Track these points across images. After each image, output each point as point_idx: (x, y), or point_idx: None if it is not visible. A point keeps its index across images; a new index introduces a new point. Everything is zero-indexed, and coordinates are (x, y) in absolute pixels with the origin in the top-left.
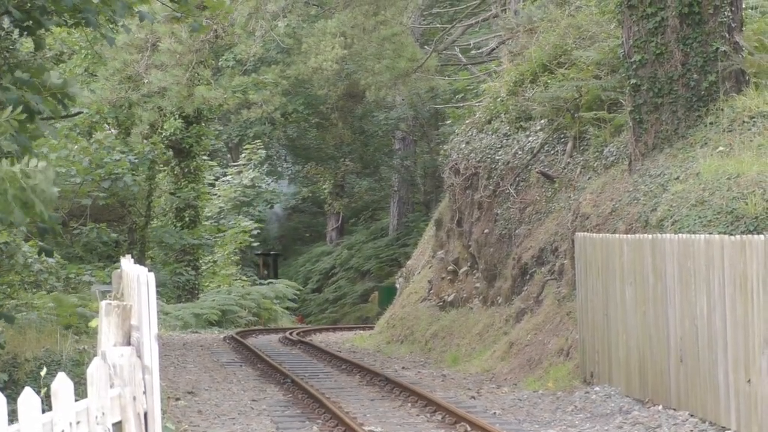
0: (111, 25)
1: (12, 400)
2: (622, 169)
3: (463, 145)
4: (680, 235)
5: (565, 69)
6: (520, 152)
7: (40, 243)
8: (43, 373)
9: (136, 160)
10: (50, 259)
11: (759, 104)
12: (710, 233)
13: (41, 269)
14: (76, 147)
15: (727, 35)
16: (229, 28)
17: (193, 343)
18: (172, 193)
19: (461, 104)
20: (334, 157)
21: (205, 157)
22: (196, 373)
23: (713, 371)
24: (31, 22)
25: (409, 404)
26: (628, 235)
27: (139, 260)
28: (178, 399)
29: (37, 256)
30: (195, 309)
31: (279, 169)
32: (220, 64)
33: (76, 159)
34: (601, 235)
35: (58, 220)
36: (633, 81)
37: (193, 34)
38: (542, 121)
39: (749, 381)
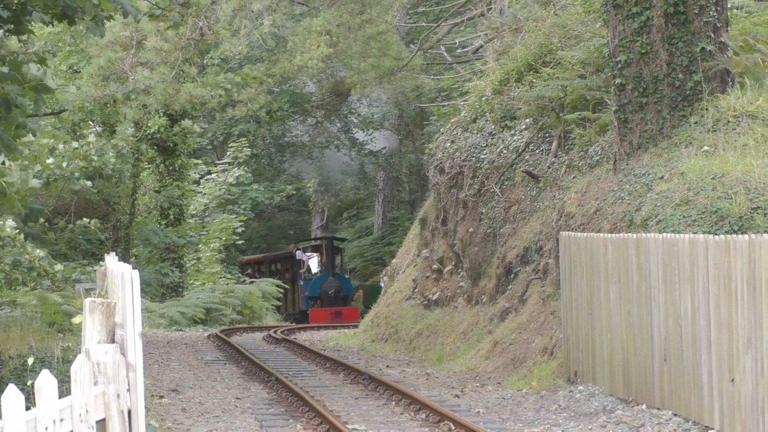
0: (93, 21)
1: None
2: (607, 169)
3: (448, 144)
4: (664, 234)
5: (551, 68)
6: (505, 151)
7: (26, 229)
8: (30, 360)
9: (115, 155)
10: (39, 252)
11: (744, 104)
12: (694, 233)
13: (31, 267)
14: (62, 146)
15: (712, 35)
16: (213, 26)
17: (178, 341)
18: (156, 191)
19: (446, 103)
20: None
21: (188, 153)
22: (180, 371)
23: (697, 371)
24: (13, 18)
25: (393, 403)
26: (613, 235)
27: (124, 258)
28: (162, 397)
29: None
30: (179, 307)
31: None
32: (205, 62)
33: (67, 159)
34: (585, 234)
35: (42, 214)
36: (618, 80)
37: (177, 31)
38: (527, 121)
39: (733, 380)
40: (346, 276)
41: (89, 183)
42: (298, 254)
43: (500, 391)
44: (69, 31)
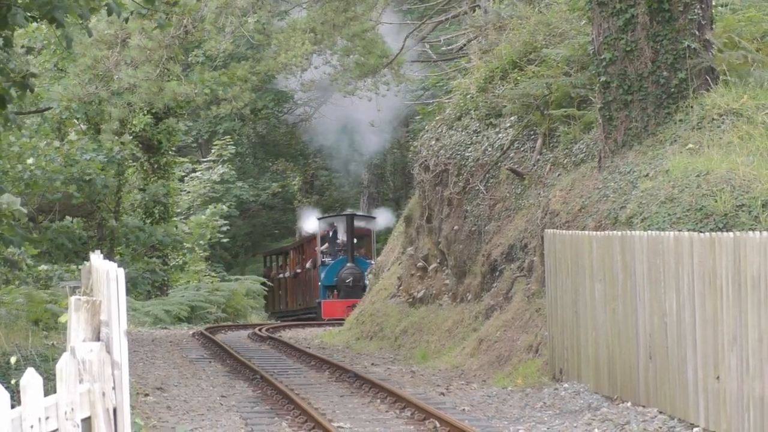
0: (80, 22)
1: None
2: (592, 166)
3: (433, 142)
4: (649, 232)
5: (535, 66)
6: (489, 149)
7: (6, 255)
8: (13, 360)
9: (106, 159)
10: (18, 250)
11: (728, 102)
12: (679, 230)
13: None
14: (44, 144)
15: (697, 32)
16: (198, 24)
17: (162, 339)
18: (141, 189)
19: (431, 101)
20: (304, 153)
21: (173, 151)
22: (165, 369)
23: (682, 368)
24: None
25: (379, 400)
26: (598, 232)
27: (108, 256)
28: (147, 395)
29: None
30: (164, 305)
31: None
32: (189, 59)
33: (48, 158)
34: (570, 231)
35: (25, 236)
36: (603, 78)
37: (162, 30)
38: (512, 118)
39: (718, 378)
40: (371, 262)
41: (73, 186)
42: (322, 227)
43: (485, 388)
44: (53, 30)
